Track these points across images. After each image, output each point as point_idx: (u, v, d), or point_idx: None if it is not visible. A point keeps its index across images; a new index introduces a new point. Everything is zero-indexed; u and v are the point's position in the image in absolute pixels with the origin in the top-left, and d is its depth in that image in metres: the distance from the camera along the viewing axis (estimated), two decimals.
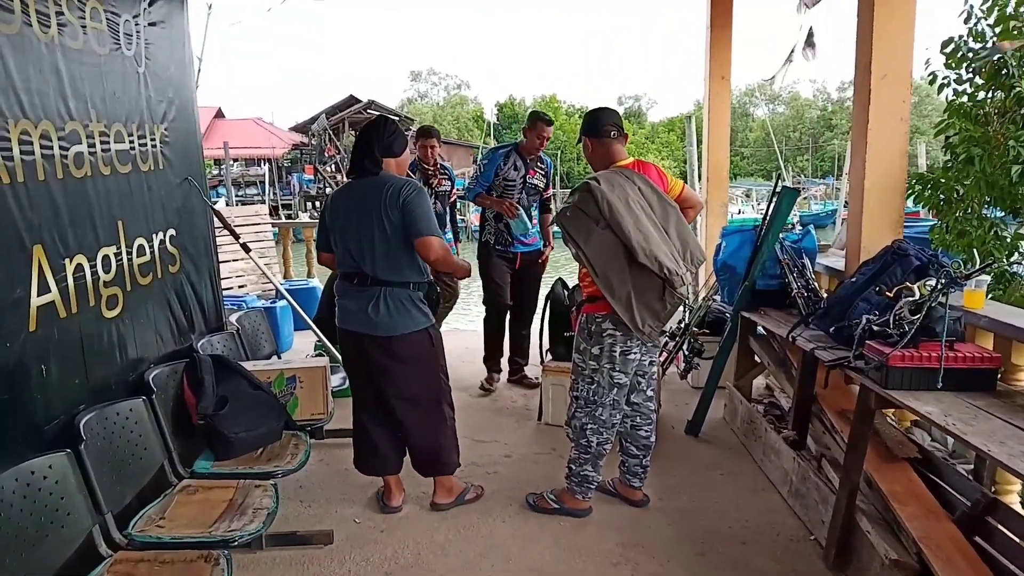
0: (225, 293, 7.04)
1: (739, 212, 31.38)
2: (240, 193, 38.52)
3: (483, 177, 4.83)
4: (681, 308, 6.04)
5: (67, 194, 2.52)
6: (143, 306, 3.03)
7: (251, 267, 7.87)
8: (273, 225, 8.22)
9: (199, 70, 8.60)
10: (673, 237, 2.94)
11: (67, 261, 2.51)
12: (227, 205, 25.80)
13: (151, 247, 3.12)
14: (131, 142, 3.00)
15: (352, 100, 38.04)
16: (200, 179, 3.71)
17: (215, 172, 39.64)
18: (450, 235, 5.39)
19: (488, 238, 4.96)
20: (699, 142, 7.19)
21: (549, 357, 4.64)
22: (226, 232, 7.72)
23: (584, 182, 2.96)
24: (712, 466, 3.93)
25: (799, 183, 43.27)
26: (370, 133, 3.18)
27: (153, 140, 3.20)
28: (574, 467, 3.34)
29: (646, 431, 3.39)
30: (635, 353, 3.11)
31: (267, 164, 38.27)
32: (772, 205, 4.12)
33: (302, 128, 40.96)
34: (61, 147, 2.51)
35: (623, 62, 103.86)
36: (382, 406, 3.26)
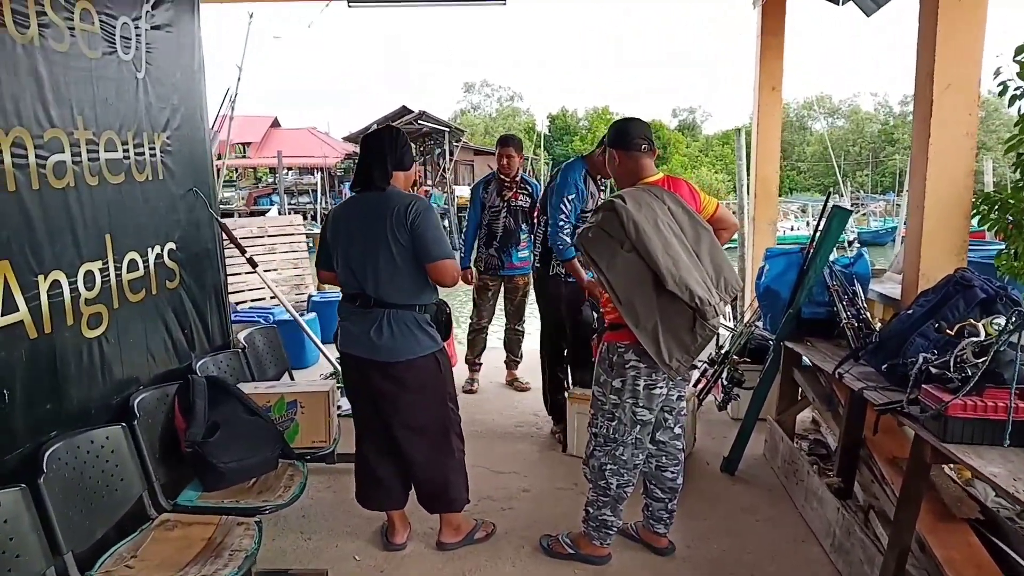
0: (253, 305, 6.96)
1: (792, 228, 30.46)
2: (293, 201, 39.10)
3: (571, 215, 4.20)
4: (722, 334, 5.73)
5: (43, 206, 2.35)
6: (133, 324, 2.86)
7: (283, 278, 7.78)
8: (308, 235, 8.11)
9: (239, 79, 8.64)
10: (706, 263, 2.66)
11: (40, 278, 2.33)
12: (279, 213, 26.12)
13: (145, 261, 2.95)
14: (125, 151, 2.83)
15: (404, 111, 38.26)
16: (207, 189, 3.54)
17: (270, 180, 40.36)
18: (525, 253, 5.24)
19: (556, 269, 4.30)
20: (748, 156, 6.83)
21: (574, 385, 4.36)
22: (256, 242, 7.68)
23: (608, 200, 2.71)
24: (748, 509, 3.59)
25: (858, 200, 42.05)
26: (381, 143, 2.98)
27: (152, 149, 3.03)
28: (592, 510, 3.07)
29: (672, 472, 3.09)
30: (661, 387, 2.82)
31: (319, 173, 38.76)
32: (822, 225, 3.79)
33: (355, 138, 41.41)
34: (38, 156, 2.34)
35: (678, 74, 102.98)
36: (386, 436, 3.04)
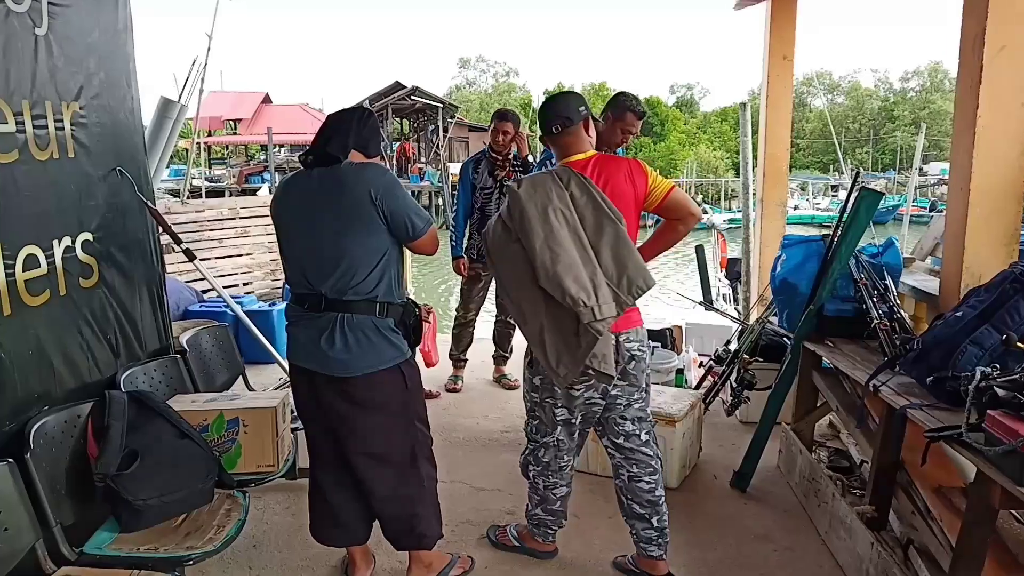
0: (231, 292, 6.46)
1: (794, 208, 29.96)
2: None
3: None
4: (730, 328, 5.26)
5: None
6: (32, 333, 2.37)
7: (257, 263, 7.28)
8: None
9: (208, 48, 8.05)
10: (605, 259, 2.35)
11: None
12: (270, 192, 25.56)
13: (49, 257, 2.46)
14: (19, 123, 2.33)
15: (397, 86, 37.52)
16: (138, 169, 3.04)
17: (261, 158, 39.63)
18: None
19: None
20: (755, 132, 6.33)
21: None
22: (227, 224, 7.17)
23: (507, 185, 2.54)
24: (763, 537, 3.14)
25: (858, 177, 41.46)
26: (348, 118, 2.52)
27: (59, 121, 2.53)
28: (529, 507, 2.97)
29: (649, 483, 2.71)
30: (579, 389, 2.60)
31: None
32: (847, 211, 3.31)
33: None
34: None
35: (675, 49, 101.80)
36: (342, 463, 2.57)
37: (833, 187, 40.98)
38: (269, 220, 7.05)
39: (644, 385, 2.67)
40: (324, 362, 2.44)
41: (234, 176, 35.11)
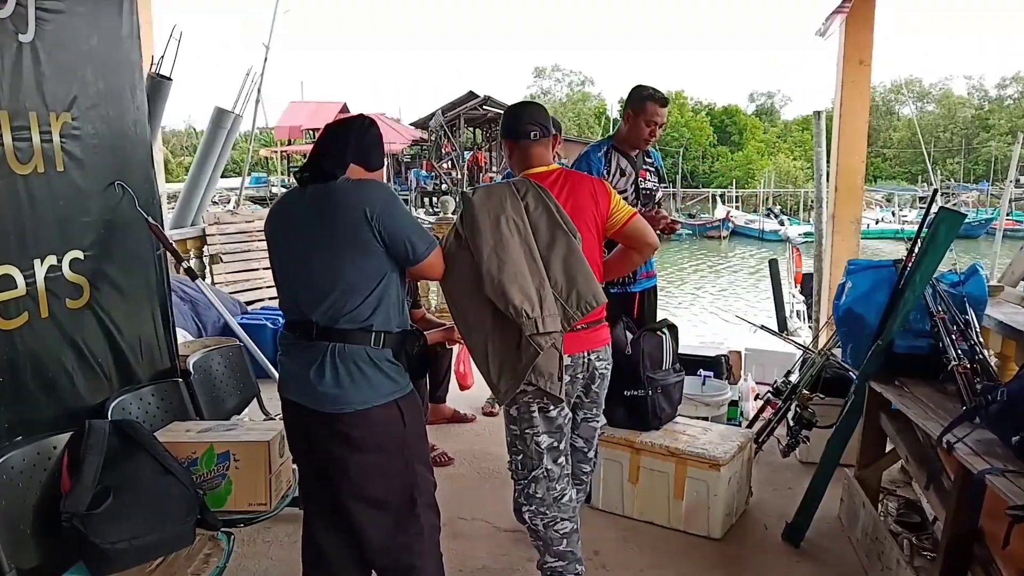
0: (269, 304, 6.34)
1: (877, 222, 28.46)
2: None
3: None
4: (791, 356, 4.82)
5: None
6: (2, 359, 2.22)
7: None
8: None
9: (265, 58, 8.07)
10: (555, 272, 2.29)
11: None
12: None
13: (29, 277, 2.30)
14: None
15: (470, 96, 37.70)
16: (144, 183, 2.88)
17: None
18: None
19: None
20: (830, 142, 5.88)
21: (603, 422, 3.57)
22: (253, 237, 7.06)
23: (462, 192, 2.46)
24: None
25: (948, 188, 39.48)
26: (347, 129, 2.31)
27: (47, 133, 2.38)
28: (540, 560, 2.61)
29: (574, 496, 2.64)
30: (555, 409, 2.46)
31: (386, 159, 38.59)
32: (925, 234, 2.91)
33: (422, 124, 41.12)
34: None
35: (756, 56, 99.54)
36: (334, 508, 2.33)
37: (921, 199, 39.09)
38: None
39: (601, 402, 2.69)
40: (313, 396, 2.22)
41: None
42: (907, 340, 2.94)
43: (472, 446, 4.25)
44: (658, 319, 3.69)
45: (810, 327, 8.84)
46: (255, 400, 3.41)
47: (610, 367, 2.63)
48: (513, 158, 2.61)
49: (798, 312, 13.42)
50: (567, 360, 2.39)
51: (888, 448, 3.23)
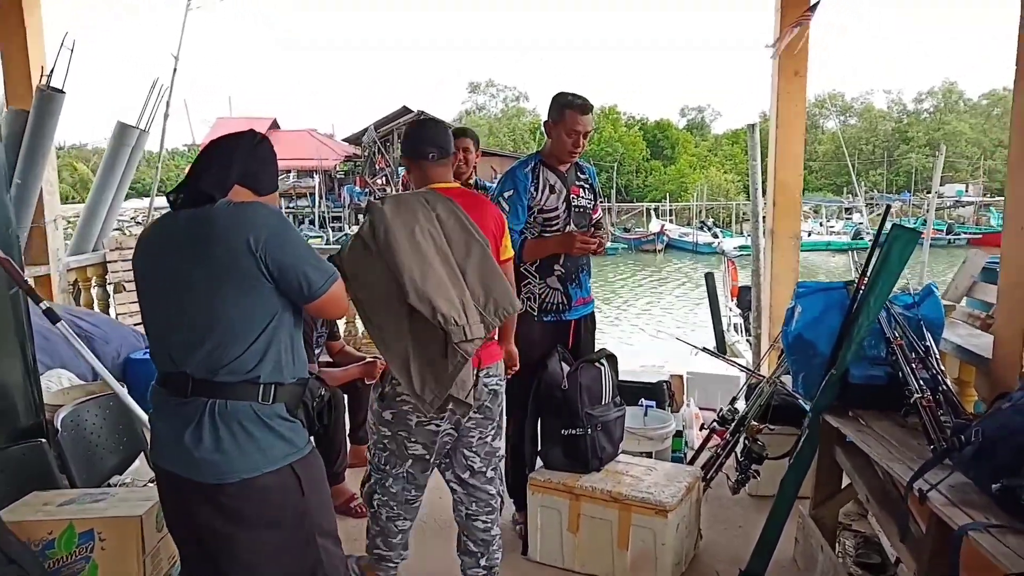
0: None
1: (809, 234, 29.03)
2: (291, 204, 38.23)
3: (514, 216, 3.14)
4: (736, 381, 4.62)
5: None
6: None
7: None
8: None
9: (175, 69, 7.56)
10: (472, 280, 2.29)
11: None
12: None
13: None
14: None
15: (404, 111, 37.39)
16: None
17: None
18: None
19: (527, 304, 3.21)
20: (765, 156, 5.74)
21: (539, 465, 3.26)
22: None
23: (369, 202, 2.38)
24: None
25: (872, 199, 40.77)
26: (233, 144, 1.96)
27: None
28: (368, 539, 2.71)
29: (485, 522, 2.66)
30: (438, 424, 2.45)
31: (318, 176, 37.86)
32: (878, 254, 2.69)
33: (355, 140, 40.52)
34: None
35: (686, 72, 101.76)
36: None
37: (847, 209, 40.23)
38: None
39: (497, 419, 2.62)
40: (190, 464, 1.85)
41: None
42: (863, 369, 2.72)
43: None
44: (596, 348, 3.41)
45: (748, 341, 8.74)
46: (141, 455, 2.99)
47: (503, 384, 2.61)
48: (415, 177, 2.59)
49: (736, 325, 13.43)
50: None
51: (844, 482, 3.02)
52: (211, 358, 1.83)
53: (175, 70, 6.91)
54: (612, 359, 3.27)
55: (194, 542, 1.95)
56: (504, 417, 2.67)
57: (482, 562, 2.67)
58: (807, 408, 2.93)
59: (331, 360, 4.02)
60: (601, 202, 3.55)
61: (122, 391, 2.70)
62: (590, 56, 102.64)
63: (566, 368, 3.18)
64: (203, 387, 1.84)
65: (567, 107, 3.16)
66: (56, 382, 3.75)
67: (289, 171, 37.87)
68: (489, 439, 2.60)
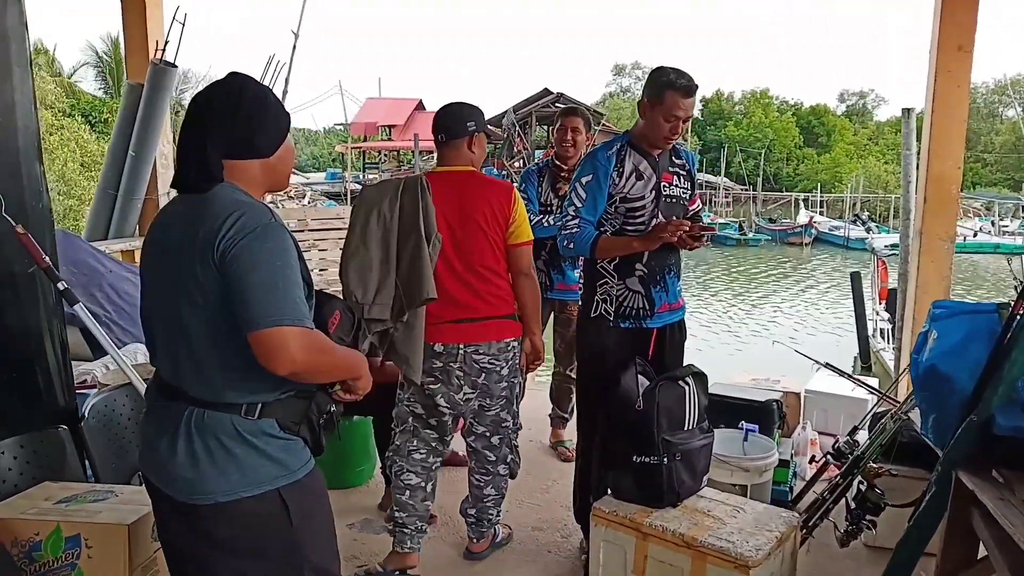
0: None
1: (975, 233, 26.12)
2: None
3: (590, 206, 2.76)
4: (872, 407, 3.98)
5: None
6: None
7: (330, 280, 6.67)
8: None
9: (294, 46, 7.60)
10: (403, 267, 2.61)
11: None
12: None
13: None
14: None
15: (544, 93, 37.11)
16: (26, 182, 2.33)
17: (413, 162, 40.56)
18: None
19: (603, 307, 2.84)
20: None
21: (608, 494, 2.85)
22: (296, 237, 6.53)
23: (364, 183, 2.35)
24: None
25: None
26: (209, 102, 1.63)
27: None
28: (388, 512, 3.07)
29: (478, 480, 3.00)
30: (434, 386, 2.77)
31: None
32: None
33: (495, 122, 40.74)
34: None
35: (848, 53, 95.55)
36: None
37: None
38: (341, 233, 6.37)
39: (503, 395, 2.86)
40: (165, 476, 1.64)
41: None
42: (1013, 418, 2.13)
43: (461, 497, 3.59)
44: (684, 362, 2.95)
45: (894, 350, 7.83)
46: None
47: (499, 362, 2.78)
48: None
49: (882, 331, 12.23)
50: (438, 348, 2.72)
51: (982, 551, 2.43)
52: (191, 364, 1.62)
53: (294, 47, 6.92)
54: (701, 377, 2.81)
55: (175, 559, 1.74)
56: (516, 390, 2.92)
57: (470, 511, 3.04)
58: (939, 462, 2.37)
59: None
60: (700, 193, 3.09)
61: (136, 379, 2.53)
62: (741, 38, 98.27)
63: (644, 383, 2.76)
64: (184, 394, 1.61)
65: (668, 88, 2.69)
66: (132, 357, 3.71)
67: (431, 152, 38.71)
68: (492, 411, 2.87)
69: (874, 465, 2.83)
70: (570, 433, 4.11)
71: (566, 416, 4.17)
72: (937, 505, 2.28)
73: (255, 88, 1.66)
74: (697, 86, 2.75)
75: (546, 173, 3.88)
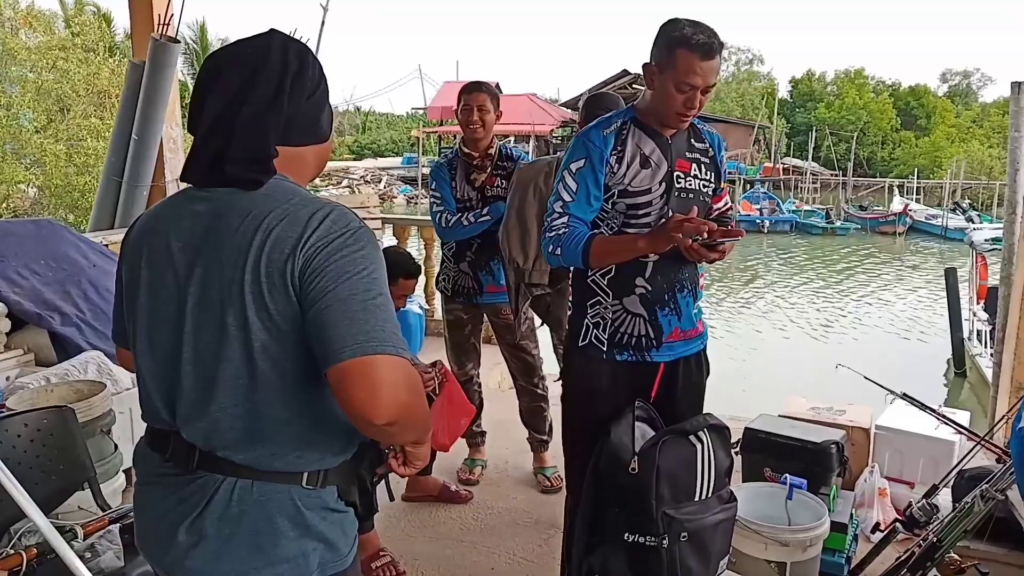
0: None
1: None
2: None
3: (581, 202, 2.15)
4: (968, 454, 3.18)
5: None
6: None
7: None
8: (385, 221, 6.46)
9: (323, 21, 7.09)
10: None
11: None
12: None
13: None
14: None
15: (622, 74, 36.16)
16: None
17: None
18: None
19: (593, 333, 2.20)
20: None
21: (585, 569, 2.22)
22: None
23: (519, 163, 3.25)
24: None
25: None
26: (254, 73, 1.19)
27: None
28: None
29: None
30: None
31: (533, 141, 37.77)
32: None
33: (572, 105, 39.89)
34: None
35: (951, 30, 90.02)
36: None
37: None
38: (368, 224, 5.96)
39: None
40: (181, 570, 1.22)
41: None
42: None
43: (459, 544, 3.01)
44: (703, 408, 2.29)
45: (993, 362, 6.83)
46: (87, 489, 2.34)
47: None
48: None
49: (979, 333, 10.96)
50: None
51: None
52: (231, 420, 1.19)
53: (323, 22, 6.45)
54: (719, 431, 2.14)
55: None
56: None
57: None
58: None
59: None
60: (726, 186, 2.41)
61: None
62: (837, 15, 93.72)
63: (644, 435, 2.11)
64: (216, 461, 1.18)
65: (681, 45, 2.00)
66: (79, 370, 3.29)
67: (506, 136, 38.19)
68: None
69: (956, 556, 2.10)
70: (555, 457, 3.43)
71: (544, 438, 3.54)
72: None
73: (311, 54, 1.26)
74: (722, 44, 2.06)
75: (457, 165, 3.29)
